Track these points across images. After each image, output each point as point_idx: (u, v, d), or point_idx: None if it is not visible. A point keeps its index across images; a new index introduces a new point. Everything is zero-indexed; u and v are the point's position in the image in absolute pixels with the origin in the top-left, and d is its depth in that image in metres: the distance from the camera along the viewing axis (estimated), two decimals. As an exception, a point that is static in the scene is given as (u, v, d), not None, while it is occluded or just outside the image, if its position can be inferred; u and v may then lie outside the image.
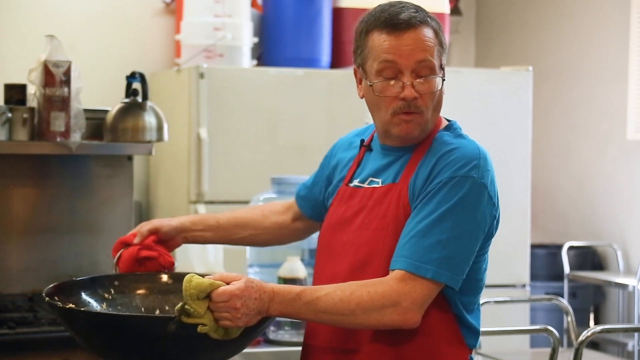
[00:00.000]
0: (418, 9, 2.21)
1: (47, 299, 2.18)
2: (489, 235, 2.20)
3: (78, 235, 3.63)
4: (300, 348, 2.38)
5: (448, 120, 2.30)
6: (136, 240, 2.44)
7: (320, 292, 2.09)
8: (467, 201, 2.12)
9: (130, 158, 3.72)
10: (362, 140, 2.37)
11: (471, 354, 2.26)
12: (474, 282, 2.19)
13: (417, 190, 2.17)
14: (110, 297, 2.33)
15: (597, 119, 6.49)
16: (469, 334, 2.23)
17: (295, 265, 3.19)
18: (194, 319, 2.00)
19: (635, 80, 6.20)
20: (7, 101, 3.42)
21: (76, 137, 3.39)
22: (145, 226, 2.46)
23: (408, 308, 2.08)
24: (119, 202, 3.70)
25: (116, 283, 2.37)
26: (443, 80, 2.21)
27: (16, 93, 3.43)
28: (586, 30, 6.58)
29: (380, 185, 2.25)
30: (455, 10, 6.88)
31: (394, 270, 2.12)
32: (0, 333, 2.97)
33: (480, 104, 5.21)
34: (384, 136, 2.28)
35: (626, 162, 6.26)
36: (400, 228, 2.16)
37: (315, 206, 2.48)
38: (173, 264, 2.45)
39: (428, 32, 2.18)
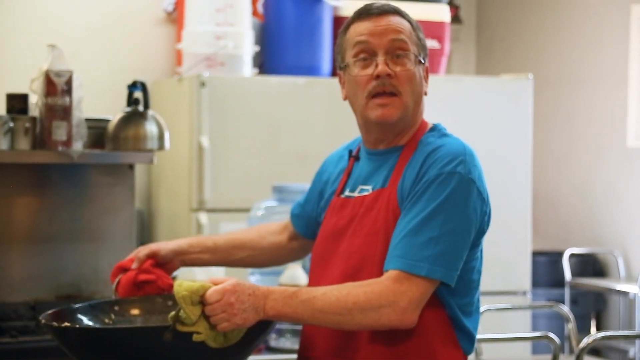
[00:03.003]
0: (395, 6, 2.28)
1: (43, 321, 2.16)
2: (481, 231, 2.21)
3: (80, 244, 3.64)
4: None
5: (433, 124, 2.32)
6: (134, 266, 2.43)
7: (317, 292, 2.10)
8: (455, 197, 2.13)
9: (131, 167, 3.73)
10: (350, 151, 2.38)
11: (466, 359, 2.26)
12: (466, 283, 2.20)
13: (406, 192, 2.18)
14: (111, 321, 2.32)
15: (598, 126, 6.50)
16: (464, 338, 2.23)
17: (296, 273, 3.20)
18: (189, 327, 1.99)
19: (635, 87, 6.21)
20: (9, 110, 3.44)
21: (78, 146, 3.40)
22: (142, 251, 2.46)
23: (405, 308, 2.09)
24: (121, 211, 3.71)
25: (116, 308, 2.35)
26: (421, 62, 2.24)
27: (18, 102, 3.45)
28: (586, 37, 6.60)
29: (370, 192, 2.26)
30: (455, 19, 6.90)
31: (388, 270, 2.12)
32: (2, 342, 2.98)
33: (480, 111, 5.22)
34: (365, 129, 2.29)
35: (626, 169, 6.27)
36: (391, 233, 2.17)
37: (308, 223, 2.49)
38: (172, 286, 2.42)
39: (402, 22, 2.25)
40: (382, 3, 2.26)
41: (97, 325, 2.28)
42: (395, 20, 2.24)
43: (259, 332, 2.11)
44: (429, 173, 2.16)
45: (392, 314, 2.08)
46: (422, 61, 2.26)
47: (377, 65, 2.20)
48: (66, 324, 2.19)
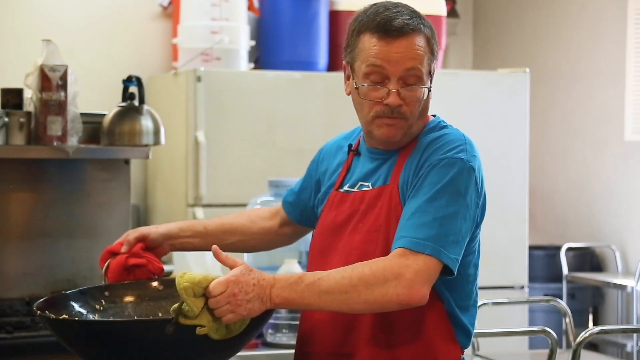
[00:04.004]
0: (413, 14, 2.19)
1: (38, 312, 2.13)
2: (476, 224, 2.20)
3: (75, 240, 3.62)
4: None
5: (433, 116, 2.30)
6: (123, 249, 2.39)
7: (322, 274, 2.08)
8: (457, 182, 2.13)
9: (127, 162, 3.71)
10: (350, 145, 2.36)
11: (462, 354, 2.25)
12: (463, 277, 2.18)
13: (407, 183, 2.17)
14: (101, 307, 2.29)
15: (595, 120, 6.49)
16: (461, 333, 2.22)
17: (292, 268, 3.19)
18: (191, 320, 1.98)
19: (633, 81, 6.21)
20: (3, 105, 3.42)
21: (73, 141, 3.38)
22: (132, 234, 2.42)
23: (412, 280, 2.06)
24: (117, 206, 3.70)
25: (106, 293, 2.32)
26: (429, 90, 2.21)
27: (13, 97, 3.43)
28: (583, 31, 6.59)
29: (370, 188, 2.24)
30: (452, 13, 6.89)
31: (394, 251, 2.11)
32: (-2, 337, 2.97)
33: (477, 106, 5.21)
34: (368, 137, 2.28)
35: (624, 163, 6.27)
36: (392, 230, 2.16)
37: (304, 211, 2.46)
38: (162, 270, 2.41)
39: (420, 41, 2.16)
40: (402, 20, 2.15)
41: (97, 318, 2.26)
42: (413, 42, 2.16)
43: (259, 321, 2.10)
44: (431, 158, 2.15)
45: (399, 287, 2.05)
46: (432, 73, 2.22)
47: (388, 93, 2.16)
48: (64, 316, 2.18)
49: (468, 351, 2.29)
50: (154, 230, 2.45)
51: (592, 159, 6.51)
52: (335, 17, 5.16)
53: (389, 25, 2.15)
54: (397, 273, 2.06)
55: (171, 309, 1.99)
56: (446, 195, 2.11)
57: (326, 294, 2.06)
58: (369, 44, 2.17)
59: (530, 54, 6.96)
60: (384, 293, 2.06)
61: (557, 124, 6.78)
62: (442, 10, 5.42)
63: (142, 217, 5.26)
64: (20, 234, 3.59)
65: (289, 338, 3.11)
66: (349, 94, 2.27)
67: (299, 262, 3.22)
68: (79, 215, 3.64)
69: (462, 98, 5.16)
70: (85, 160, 3.62)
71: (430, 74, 2.21)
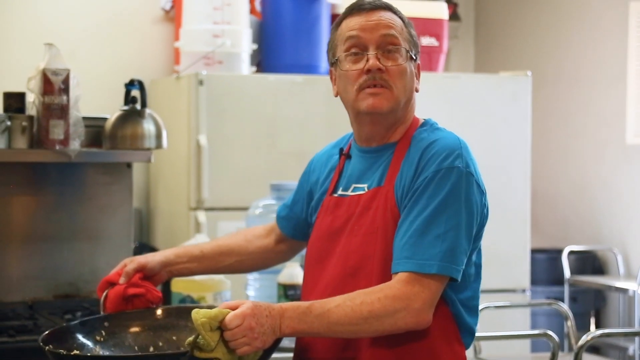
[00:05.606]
0: (387, 3, 2.29)
1: (47, 348, 2.11)
2: (481, 225, 2.20)
3: (78, 243, 3.63)
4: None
5: (424, 119, 2.31)
6: (122, 281, 2.37)
7: (331, 304, 2.08)
8: (456, 192, 2.13)
9: (129, 165, 3.72)
10: (341, 149, 2.37)
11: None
12: (465, 277, 2.18)
13: (405, 190, 2.17)
14: (102, 339, 2.28)
15: (596, 123, 6.49)
16: (466, 334, 2.22)
17: (294, 272, 3.19)
18: (207, 353, 1.98)
19: (634, 84, 6.21)
20: (6, 109, 3.43)
21: (75, 144, 3.39)
22: (129, 265, 2.40)
23: (420, 309, 2.09)
24: (119, 210, 3.70)
25: (106, 324, 2.31)
26: (413, 59, 2.24)
27: (15, 101, 3.44)
28: (585, 35, 6.59)
29: (365, 191, 2.24)
30: (454, 16, 6.89)
31: (397, 273, 2.11)
32: (0, 341, 2.97)
33: (479, 109, 5.21)
34: (357, 124, 2.28)
35: (625, 166, 6.26)
36: (390, 231, 2.16)
37: (297, 225, 2.47)
38: (161, 299, 2.41)
39: (394, 18, 2.26)
40: (374, 0, 2.26)
41: (99, 350, 2.24)
42: (387, 15, 2.25)
43: (269, 350, 2.10)
44: (427, 170, 2.15)
45: (407, 317, 2.08)
46: (414, 57, 2.26)
47: (368, 60, 2.21)
48: (76, 352, 2.16)
49: (470, 354, 2.30)
50: (151, 258, 2.43)
51: (594, 162, 6.51)
52: (337, 20, 5.16)
53: (362, 3, 2.27)
54: (405, 303, 2.08)
55: (186, 342, 1.99)
56: (446, 209, 2.12)
57: (336, 325, 2.07)
58: (346, 25, 2.26)
59: (532, 57, 6.97)
60: (393, 323, 2.09)
61: (559, 127, 6.78)
62: (444, 13, 5.42)
63: (144, 220, 5.26)
64: (22, 238, 3.59)
65: (290, 342, 3.10)
66: (336, 95, 2.32)
67: (301, 266, 3.22)
68: (81, 218, 3.65)
69: (463, 101, 5.16)
70: (87, 163, 3.63)
71: (412, 58, 2.25)
